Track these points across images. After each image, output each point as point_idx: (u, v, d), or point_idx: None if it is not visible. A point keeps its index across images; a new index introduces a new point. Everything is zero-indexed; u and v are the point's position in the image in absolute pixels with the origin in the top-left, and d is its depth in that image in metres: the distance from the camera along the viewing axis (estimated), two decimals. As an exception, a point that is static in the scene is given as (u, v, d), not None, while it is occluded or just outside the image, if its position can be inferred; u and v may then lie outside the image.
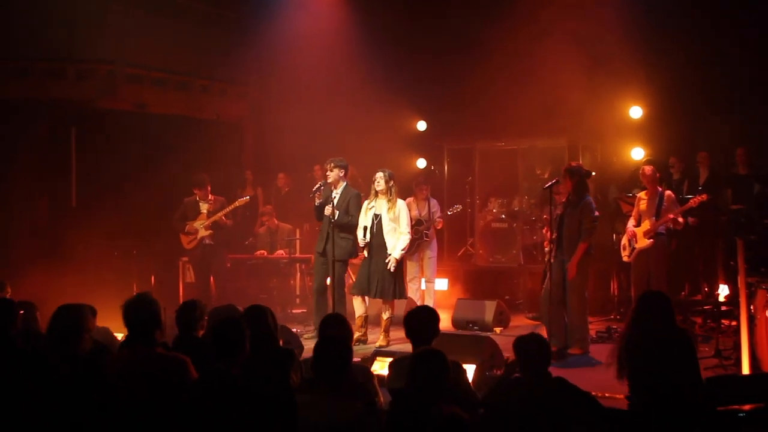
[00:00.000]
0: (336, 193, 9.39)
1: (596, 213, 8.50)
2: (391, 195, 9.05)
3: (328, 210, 9.28)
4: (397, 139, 13.67)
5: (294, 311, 11.74)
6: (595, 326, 10.01)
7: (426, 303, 11.42)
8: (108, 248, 12.02)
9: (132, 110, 12.38)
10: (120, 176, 12.08)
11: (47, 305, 10.15)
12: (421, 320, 5.13)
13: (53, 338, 4.84)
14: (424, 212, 11.41)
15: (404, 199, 11.37)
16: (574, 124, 12.10)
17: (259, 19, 13.14)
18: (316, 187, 9.37)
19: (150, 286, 12.24)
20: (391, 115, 13.53)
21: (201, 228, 10.54)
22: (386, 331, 9.10)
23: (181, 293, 11.40)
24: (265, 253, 11.70)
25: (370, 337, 9.26)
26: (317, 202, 9.41)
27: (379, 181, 9.10)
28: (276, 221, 11.98)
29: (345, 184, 9.51)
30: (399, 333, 9.96)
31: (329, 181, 9.43)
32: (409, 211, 11.30)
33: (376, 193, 9.15)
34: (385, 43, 13.43)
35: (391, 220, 9.00)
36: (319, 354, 4.11)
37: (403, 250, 9.00)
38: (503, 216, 12.56)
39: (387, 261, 8.92)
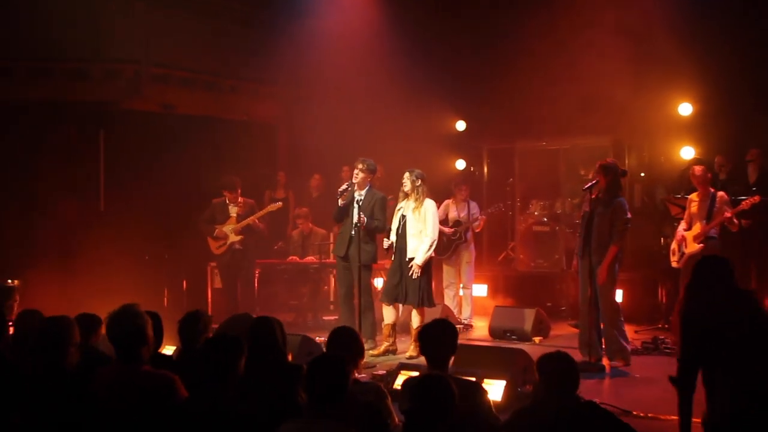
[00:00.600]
0: (360, 196, 8.92)
1: (629, 215, 7.92)
2: (418, 195, 8.54)
3: (356, 217, 8.85)
4: (435, 140, 13.16)
5: (326, 318, 11.28)
6: (641, 336, 9.40)
7: (463, 310, 10.94)
8: (137, 252, 11.74)
9: (158, 111, 12.04)
10: (148, 179, 11.76)
11: (73, 311, 10.18)
12: (433, 337, 4.59)
13: (36, 351, 4.46)
14: (463, 214, 10.92)
15: (443, 201, 11.06)
16: (619, 122, 11.47)
17: (290, 17, 12.74)
18: (342, 188, 8.91)
19: (181, 292, 12.02)
20: (428, 115, 13.06)
21: (231, 233, 10.15)
22: (417, 341, 8.56)
23: (209, 300, 11.03)
24: (297, 259, 11.25)
25: (401, 347, 8.75)
26: (341, 203, 8.96)
27: (405, 181, 8.63)
28: (310, 225, 11.53)
29: (369, 186, 9.05)
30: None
31: (356, 182, 8.97)
32: (448, 212, 11.00)
33: (406, 195, 8.65)
34: (421, 40, 12.94)
35: (417, 221, 8.49)
36: (308, 377, 3.63)
37: (427, 254, 8.46)
38: (545, 219, 11.97)
39: (410, 266, 8.41)
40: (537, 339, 9.40)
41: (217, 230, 10.21)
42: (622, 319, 8.02)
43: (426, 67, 12.84)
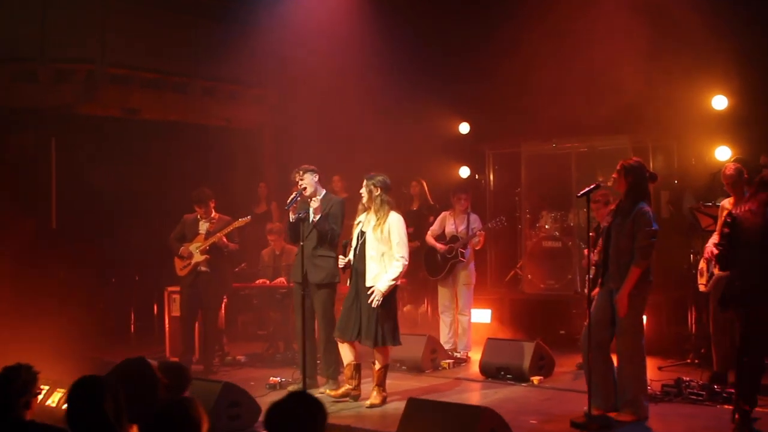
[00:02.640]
0: (315, 203, 7.51)
1: (655, 226, 6.27)
2: (378, 208, 7.04)
3: (313, 204, 7.47)
4: (436, 145, 11.69)
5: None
6: (665, 375, 7.76)
7: (460, 340, 9.40)
8: (93, 277, 10.49)
9: (119, 116, 10.74)
10: (108, 193, 10.47)
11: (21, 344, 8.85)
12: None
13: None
14: (462, 227, 9.40)
15: (441, 214, 9.59)
16: (642, 119, 9.80)
17: (272, 12, 11.34)
18: (290, 199, 7.46)
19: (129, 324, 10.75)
20: (427, 117, 11.59)
21: (196, 252, 8.74)
22: (379, 386, 7.04)
23: (167, 330, 9.63)
24: (267, 282, 9.78)
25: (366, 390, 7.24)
26: (291, 218, 7.53)
27: (363, 190, 7.13)
28: (283, 243, 10.04)
29: (324, 191, 7.70)
30: (403, 383, 8.03)
31: (305, 190, 7.55)
32: (445, 226, 9.50)
33: (365, 207, 7.15)
34: (416, 36, 11.54)
35: (378, 241, 6.96)
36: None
37: (393, 280, 6.94)
38: (557, 233, 10.36)
39: (370, 293, 6.90)
40: (536, 379, 7.80)
41: (182, 248, 8.82)
42: (645, 363, 6.40)
43: (423, 65, 11.51)
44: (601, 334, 6.33)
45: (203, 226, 8.81)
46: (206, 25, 11.17)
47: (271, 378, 7.92)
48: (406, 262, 6.99)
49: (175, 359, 8.97)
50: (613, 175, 6.43)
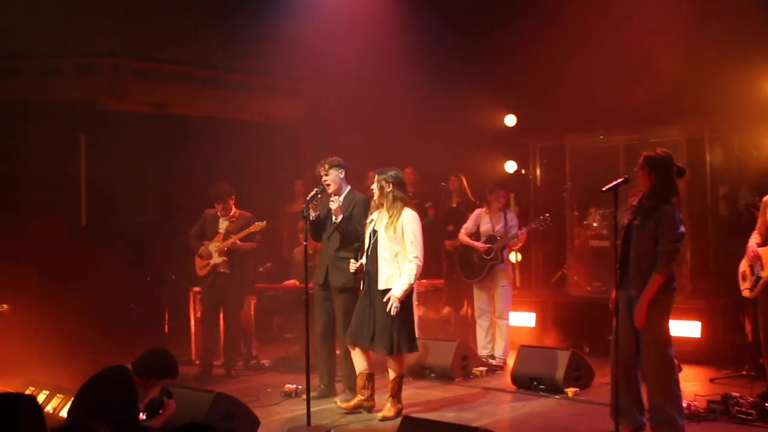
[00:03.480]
0: (333, 204, 7.04)
1: (681, 229, 5.59)
2: (391, 205, 6.50)
3: (333, 204, 6.96)
4: (480, 139, 11.04)
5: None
6: (715, 387, 7.05)
7: (497, 346, 8.81)
8: (124, 276, 10.20)
9: (149, 112, 10.42)
10: (139, 191, 10.19)
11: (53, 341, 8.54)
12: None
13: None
14: (499, 226, 8.82)
15: (475, 212, 9.01)
16: (697, 108, 8.99)
17: (307, 3, 10.89)
18: (310, 196, 6.96)
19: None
20: (471, 109, 10.96)
21: (215, 252, 8.35)
22: (394, 397, 6.51)
23: (192, 331, 9.28)
24: (298, 283, 9.32)
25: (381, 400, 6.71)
26: (312, 216, 7.05)
27: (373, 186, 6.61)
28: (314, 242, 9.57)
29: (349, 189, 7.19)
30: (427, 392, 7.49)
31: (328, 187, 7.08)
32: (480, 225, 8.91)
33: (377, 205, 6.62)
34: (456, 26, 10.93)
35: (391, 241, 6.43)
36: None
37: (409, 284, 6.39)
38: (605, 231, 9.63)
39: (386, 300, 6.36)
40: (570, 391, 7.15)
41: (202, 247, 8.45)
42: (677, 377, 5.70)
43: (466, 55, 10.86)
44: (626, 347, 5.69)
45: (222, 225, 8.41)
46: (238, 17, 10.73)
47: (287, 385, 7.48)
48: (420, 263, 6.44)
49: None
50: (635, 169, 5.76)
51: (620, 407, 5.64)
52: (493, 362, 8.59)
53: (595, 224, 9.80)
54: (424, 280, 9.95)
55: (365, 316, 6.47)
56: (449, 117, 10.96)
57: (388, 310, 6.30)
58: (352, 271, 6.63)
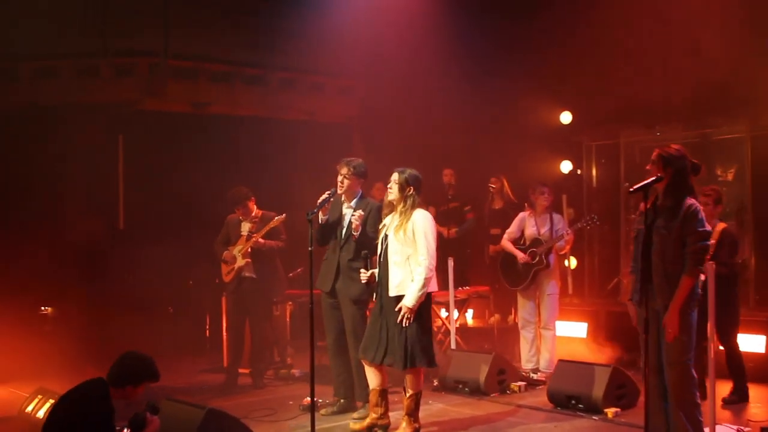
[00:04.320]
0: (349, 208, 6.64)
1: (707, 226, 5.04)
2: (406, 207, 6.02)
3: (354, 218, 6.60)
4: (535, 137, 10.43)
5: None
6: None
7: (541, 358, 8.20)
8: (162, 280, 10.01)
9: (189, 112, 10.19)
10: (179, 193, 9.97)
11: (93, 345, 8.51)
12: None
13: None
14: (544, 229, 8.23)
15: (520, 215, 8.44)
16: (765, 101, 8.20)
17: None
18: (322, 199, 6.56)
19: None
20: (525, 106, 10.36)
21: (239, 256, 8.05)
22: (410, 416, 6.01)
23: (224, 338, 9.00)
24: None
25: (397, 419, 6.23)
26: (321, 218, 6.65)
27: (392, 185, 6.11)
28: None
29: (360, 195, 6.78)
30: (456, 409, 6.97)
31: (342, 190, 6.67)
32: (524, 228, 8.33)
33: (392, 206, 6.14)
34: (509, 18, 10.29)
35: (403, 244, 5.93)
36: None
37: (421, 291, 5.87)
38: (663, 236, 8.87)
39: (398, 310, 5.88)
40: (611, 411, 6.50)
41: (225, 252, 8.16)
42: (698, 399, 5.10)
43: (517, 49, 10.22)
44: (652, 362, 5.11)
45: (245, 227, 8.09)
46: (280, 13, 10.41)
47: (307, 398, 7.06)
48: (432, 266, 5.90)
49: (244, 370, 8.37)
50: (647, 167, 5.18)
51: (649, 424, 5.05)
52: (535, 377, 7.99)
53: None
54: (468, 287, 9.49)
55: (377, 327, 6.00)
56: (499, 115, 10.43)
57: (399, 321, 5.82)
58: (363, 281, 6.16)
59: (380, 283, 6.03)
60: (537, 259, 8.15)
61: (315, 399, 6.96)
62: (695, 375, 5.05)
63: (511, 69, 10.20)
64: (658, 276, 5.04)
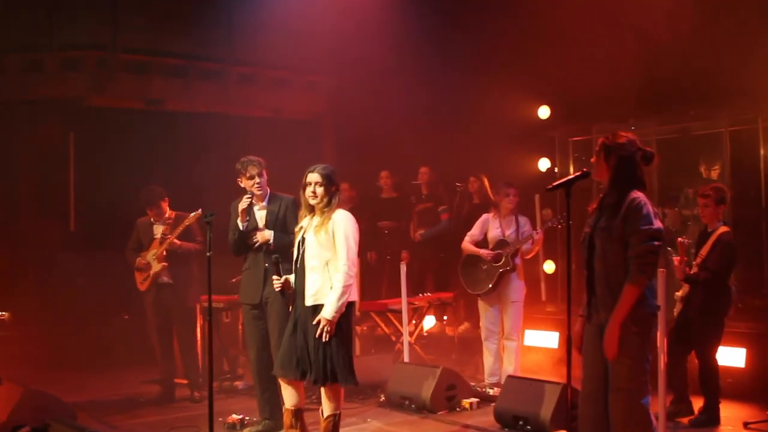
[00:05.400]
0: (261, 209, 6.18)
1: (656, 223, 4.31)
2: (329, 205, 5.42)
3: (261, 236, 6.15)
4: (509, 133, 9.78)
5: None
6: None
7: (504, 372, 7.57)
8: (115, 286, 9.50)
9: (141, 108, 9.69)
10: (133, 194, 9.46)
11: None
12: None
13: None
14: (510, 231, 7.61)
15: (484, 216, 7.83)
16: (747, 93, 7.49)
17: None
18: (245, 202, 6.10)
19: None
20: (498, 100, 9.71)
21: (153, 260, 7.52)
22: (328, 440, 5.42)
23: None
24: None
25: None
26: (242, 226, 6.13)
27: (315, 188, 5.41)
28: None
29: (269, 193, 6.34)
30: (393, 429, 6.39)
31: (258, 191, 6.16)
32: (487, 230, 7.73)
33: (311, 208, 5.53)
34: (485, 11, 9.69)
35: (321, 247, 5.32)
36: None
37: (341, 300, 5.24)
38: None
39: (316, 323, 5.28)
40: (559, 436, 5.90)
41: (138, 259, 7.64)
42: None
43: (492, 37, 9.61)
44: (592, 387, 4.46)
45: (158, 230, 7.57)
46: (238, 4, 9.85)
47: (232, 415, 6.52)
48: (353, 273, 5.27)
49: (182, 381, 7.87)
50: (592, 159, 4.54)
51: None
52: (492, 392, 7.35)
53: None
54: (428, 293, 8.90)
55: (294, 341, 5.41)
56: (478, 110, 9.80)
57: (318, 335, 5.22)
58: (276, 289, 5.55)
59: (297, 291, 5.44)
60: (503, 260, 7.54)
61: (242, 416, 6.52)
62: (645, 405, 4.30)
63: (485, 63, 9.61)
64: (600, 286, 4.40)
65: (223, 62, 10.17)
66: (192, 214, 7.23)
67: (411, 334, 8.53)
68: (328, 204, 5.39)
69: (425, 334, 9.45)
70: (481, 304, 7.82)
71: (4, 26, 8.92)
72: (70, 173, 9.57)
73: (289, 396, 5.49)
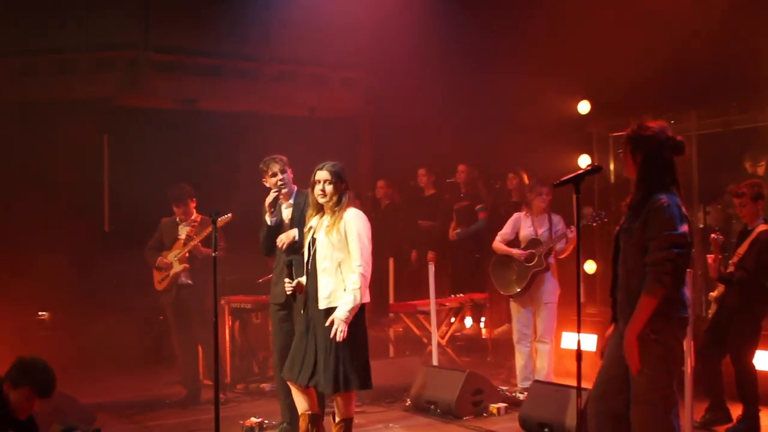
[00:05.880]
0: (289, 207, 6.09)
1: (681, 228, 3.96)
2: (339, 205, 5.25)
3: (285, 237, 5.97)
4: (549, 129, 9.47)
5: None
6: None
7: (537, 376, 7.31)
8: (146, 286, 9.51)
9: (176, 108, 9.65)
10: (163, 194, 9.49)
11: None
12: None
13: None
14: (542, 230, 7.39)
15: (515, 215, 7.60)
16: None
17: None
18: (270, 198, 5.94)
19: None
20: (536, 96, 9.42)
21: (175, 260, 7.45)
22: (340, 448, 5.26)
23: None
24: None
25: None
26: (270, 221, 5.99)
27: (324, 186, 5.26)
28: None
29: (296, 189, 6.18)
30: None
31: (284, 189, 6.01)
32: (519, 229, 7.50)
33: (320, 207, 5.37)
34: (525, 6, 9.42)
35: (334, 248, 5.15)
36: None
37: (356, 301, 5.06)
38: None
39: (328, 324, 5.11)
40: (585, 442, 5.62)
41: (159, 258, 7.58)
42: None
43: (530, 33, 9.31)
44: (613, 401, 4.17)
45: (183, 231, 7.49)
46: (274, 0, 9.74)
47: (251, 419, 6.41)
48: (368, 273, 5.10)
49: (208, 382, 7.81)
50: (620, 152, 4.25)
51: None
52: (523, 397, 7.09)
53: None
54: (461, 295, 8.68)
55: (304, 345, 5.25)
56: (514, 106, 9.54)
57: (332, 336, 5.06)
58: (288, 292, 5.39)
59: (308, 295, 5.28)
60: (536, 260, 7.30)
61: (261, 419, 6.40)
62: (671, 418, 4.00)
63: (525, 58, 9.32)
64: (621, 291, 4.13)
65: (257, 60, 10.08)
66: (223, 217, 7.14)
67: (443, 335, 8.37)
68: (338, 203, 5.24)
69: (460, 335, 9.26)
70: (513, 306, 7.60)
71: (35, 28, 8.98)
72: (105, 174, 9.60)
73: (301, 401, 5.35)
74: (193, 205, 7.54)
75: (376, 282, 9.41)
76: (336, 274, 5.14)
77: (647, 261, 3.93)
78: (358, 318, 5.14)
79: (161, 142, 9.50)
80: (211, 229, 7.06)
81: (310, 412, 5.33)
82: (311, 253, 5.26)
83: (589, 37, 8.44)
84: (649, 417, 4.01)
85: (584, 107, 9.59)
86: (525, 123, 9.38)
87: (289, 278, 5.32)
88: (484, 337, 9.20)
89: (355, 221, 5.17)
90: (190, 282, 7.47)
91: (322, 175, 5.27)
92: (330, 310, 5.11)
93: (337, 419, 5.23)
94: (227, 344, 8.16)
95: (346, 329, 5.04)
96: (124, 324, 9.49)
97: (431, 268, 7.57)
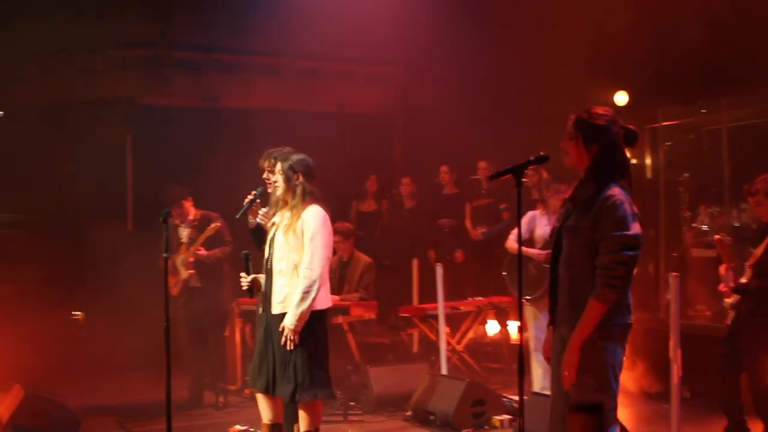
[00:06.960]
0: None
1: (635, 228, 3.55)
2: (297, 200, 4.93)
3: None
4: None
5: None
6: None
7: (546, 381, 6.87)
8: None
9: (198, 106, 9.52)
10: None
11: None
12: None
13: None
14: (558, 230, 6.90)
15: (530, 213, 7.17)
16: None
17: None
18: (249, 200, 5.56)
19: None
20: (574, 87, 8.96)
21: (181, 266, 7.28)
22: (305, 462, 4.93)
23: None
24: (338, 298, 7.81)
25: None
26: (254, 221, 5.67)
27: (276, 176, 4.96)
28: (352, 247, 8.11)
29: None
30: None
31: (275, 188, 5.69)
32: (534, 228, 7.07)
33: (283, 202, 5.04)
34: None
35: (290, 248, 4.81)
36: None
37: (303, 305, 4.71)
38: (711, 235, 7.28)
39: (281, 330, 4.81)
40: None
41: (170, 263, 7.42)
42: None
43: (563, 25, 8.89)
44: (558, 406, 3.79)
45: (184, 233, 7.28)
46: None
47: (236, 426, 6.18)
48: (316, 278, 4.73)
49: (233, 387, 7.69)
50: (561, 145, 3.83)
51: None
52: (532, 406, 6.67)
53: (704, 227, 7.48)
54: (481, 298, 8.26)
55: (263, 351, 4.97)
56: (550, 98, 9.08)
57: (282, 344, 4.76)
58: (244, 288, 5.09)
59: (266, 297, 4.99)
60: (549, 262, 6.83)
61: (246, 427, 6.17)
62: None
63: (556, 51, 8.89)
64: (563, 295, 3.75)
65: (280, 56, 9.88)
66: (212, 225, 6.97)
67: (459, 341, 8.00)
68: (296, 198, 4.90)
69: (489, 341, 8.86)
70: (529, 311, 7.17)
71: (55, 28, 8.93)
72: (128, 173, 9.54)
73: (263, 409, 5.04)
74: (188, 204, 7.32)
75: (404, 285, 9.15)
76: (292, 277, 4.82)
77: (598, 263, 3.53)
78: (314, 325, 4.80)
79: (184, 139, 9.38)
80: (210, 230, 6.96)
81: (270, 422, 5.02)
82: (271, 251, 4.96)
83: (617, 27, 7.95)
84: (589, 428, 3.61)
85: (621, 98, 9.06)
86: (557, 116, 8.93)
87: (245, 272, 5.01)
88: (512, 342, 8.76)
89: (312, 222, 4.81)
90: (200, 286, 7.28)
91: (278, 167, 4.96)
92: (284, 315, 4.80)
93: (302, 430, 4.92)
94: (238, 348, 7.98)
95: (296, 338, 4.72)
96: (148, 325, 9.44)
97: (439, 270, 7.20)
